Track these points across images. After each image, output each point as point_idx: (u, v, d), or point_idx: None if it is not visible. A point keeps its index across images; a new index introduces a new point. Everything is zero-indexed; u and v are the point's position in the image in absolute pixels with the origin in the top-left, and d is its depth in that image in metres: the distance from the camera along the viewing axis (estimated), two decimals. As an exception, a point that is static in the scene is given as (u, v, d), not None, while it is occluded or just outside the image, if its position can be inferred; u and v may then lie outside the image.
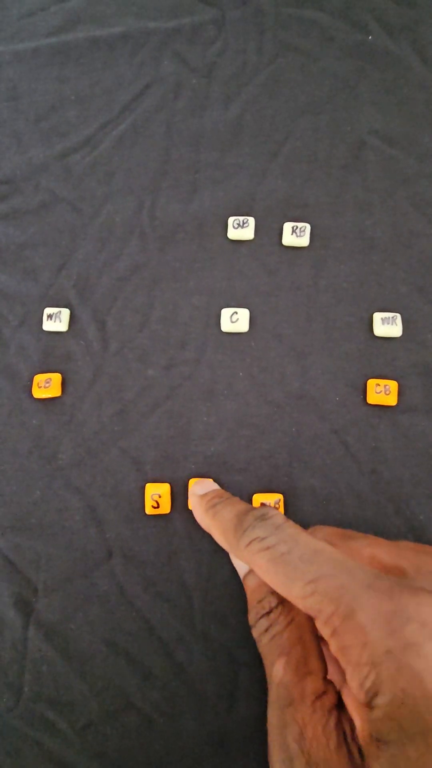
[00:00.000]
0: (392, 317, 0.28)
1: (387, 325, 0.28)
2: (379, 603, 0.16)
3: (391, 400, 0.27)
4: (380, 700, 0.15)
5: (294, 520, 0.27)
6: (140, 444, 0.28)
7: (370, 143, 0.32)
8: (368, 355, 0.29)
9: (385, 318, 0.28)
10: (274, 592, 0.19)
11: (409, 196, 0.31)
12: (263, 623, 0.19)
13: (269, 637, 0.19)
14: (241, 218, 0.30)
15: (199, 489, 0.24)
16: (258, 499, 0.27)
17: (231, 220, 0.30)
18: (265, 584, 0.20)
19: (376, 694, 0.15)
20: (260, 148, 0.32)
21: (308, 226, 0.30)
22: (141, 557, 0.27)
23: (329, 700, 0.17)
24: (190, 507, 0.25)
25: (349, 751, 0.16)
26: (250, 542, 0.19)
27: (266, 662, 0.19)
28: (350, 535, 0.21)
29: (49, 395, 0.28)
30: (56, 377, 0.29)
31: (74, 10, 0.35)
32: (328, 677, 0.18)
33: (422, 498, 0.27)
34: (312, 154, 0.32)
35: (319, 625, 0.17)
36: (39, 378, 0.29)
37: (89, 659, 0.26)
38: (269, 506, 0.21)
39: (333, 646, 0.16)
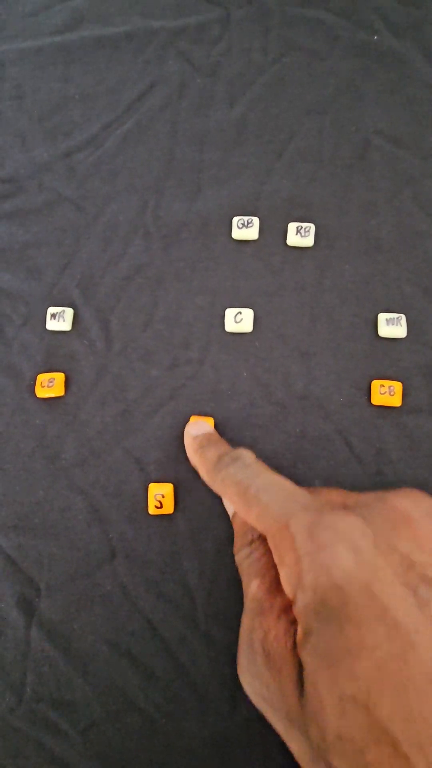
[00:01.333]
0: (397, 318, 0.28)
1: (392, 326, 0.28)
2: (308, 518, 0.19)
3: (396, 401, 0.27)
4: (301, 595, 0.18)
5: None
6: (143, 444, 0.28)
7: (375, 143, 0.32)
8: (373, 356, 0.29)
9: (390, 319, 0.28)
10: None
11: (414, 196, 0.31)
12: (245, 551, 0.23)
13: (249, 562, 0.22)
14: (245, 218, 0.30)
15: (194, 430, 0.26)
16: (261, 499, 0.27)
17: (235, 219, 0.30)
18: None
19: (298, 590, 0.18)
20: (265, 147, 0.32)
21: (313, 226, 0.30)
22: (144, 557, 0.27)
23: (293, 618, 0.20)
24: (186, 447, 0.27)
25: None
26: (224, 478, 0.22)
27: (244, 581, 0.22)
28: (320, 489, 0.24)
29: (53, 395, 0.28)
30: (59, 377, 0.29)
31: (79, 8, 0.34)
32: None
33: (426, 499, 0.27)
34: (317, 153, 0.32)
35: (269, 543, 0.20)
36: (42, 377, 0.29)
37: (91, 659, 0.26)
38: (244, 449, 0.24)
39: (275, 558, 0.19)
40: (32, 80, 0.34)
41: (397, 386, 0.27)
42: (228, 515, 0.27)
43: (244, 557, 0.23)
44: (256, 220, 0.30)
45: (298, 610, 0.18)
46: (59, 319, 0.29)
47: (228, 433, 0.28)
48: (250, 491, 0.21)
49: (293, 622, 0.19)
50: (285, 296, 0.30)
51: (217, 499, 0.27)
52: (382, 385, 0.28)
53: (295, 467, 0.27)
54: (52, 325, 0.29)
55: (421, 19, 0.34)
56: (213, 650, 0.26)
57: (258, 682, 0.19)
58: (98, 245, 0.31)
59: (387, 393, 0.27)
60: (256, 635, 0.20)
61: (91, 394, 0.29)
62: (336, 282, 0.30)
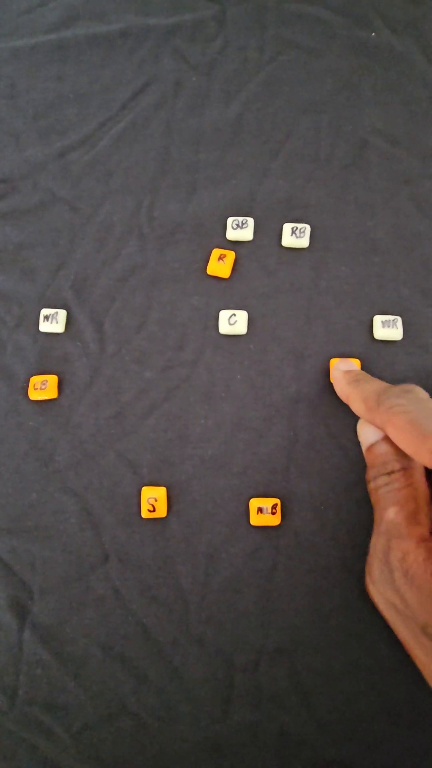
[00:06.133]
0: (393, 320, 0.28)
1: (387, 328, 0.28)
2: None
3: (391, 404, 0.27)
4: None
5: (290, 525, 0.27)
6: (137, 447, 0.28)
7: (372, 143, 0.31)
8: (368, 359, 0.28)
9: (386, 321, 0.28)
10: (398, 460, 0.23)
11: (411, 197, 0.31)
12: (383, 479, 0.23)
13: (386, 490, 0.23)
14: (240, 219, 0.30)
15: (343, 366, 0.27)
16: (255, 503, 0.27)
17: (230, 220, 0.30)
18: (391, 452, 0.23)
19: None
20: (261, 147, 0.32)
21: (308, 227, 0.30)
22: (137, 561, 0.27)
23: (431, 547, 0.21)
24: (331, 380, 0.27)
25: None
26: (392, 406, 0.22)
27: (378, 507, 0.23)
28: None
29: (46, 397, 0.28)
30: (53, 379, 0.28)
31: (73, 6, 0.34)
32: None
33: (421, 504, 0.27)
34: (313, 153, 0.31)
35: None
36: (35, 380, 0.28)
37: (84, 663, 0.26)
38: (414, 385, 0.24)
39: None
40: (26, 79, 0.33)
41: (393, 389, 0.27)
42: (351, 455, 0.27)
43: (382, 485, 0.23)
44: (251, 221, 0.30)
45: None
46: (52, 321, 0.29)
47: (221, 435, 0.28)
48: (427, 423, 0.20)
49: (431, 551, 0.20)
50: (280, 298, 0.29)
51: (211, 503, 0.27)
52: (378, 389, 0.27)
53: (288, 470, 0.27)
54: (45, 326, 0.29)
55: (420, 17, 0.33)
56: (206, 654, 0.26)
57: (391, 593, 0.21)
58: (92, 246, 0.31)
59: (382, 396, 0.27)
60: (394, 555, 0.21)
61: (85, 397, 0.29)
62: (331, 284, 0.29)
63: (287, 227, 0.29)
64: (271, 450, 0.28)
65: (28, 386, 0.29)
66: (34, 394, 0.28)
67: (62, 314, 0.29)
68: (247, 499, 0.27)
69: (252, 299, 0.29)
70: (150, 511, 0.27)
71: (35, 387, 0.28)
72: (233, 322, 0.28)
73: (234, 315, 0.28)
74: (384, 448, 0.24)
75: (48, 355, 0.29)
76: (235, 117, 0.32)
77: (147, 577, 0.27)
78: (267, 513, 0.26)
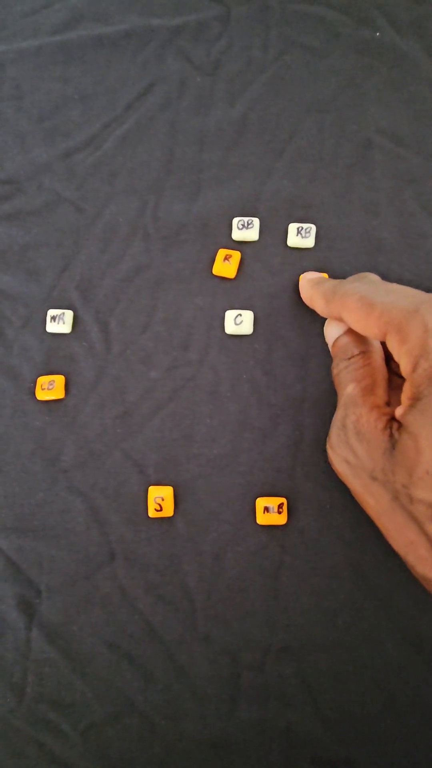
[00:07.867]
0: (398, 320, 0.28)
1: (392, 328, 0.28)
2: None
3: (396, 403, 0.27)
4: (423, 362, 0.20)
5: (296, 525, 0.27)
6: (143, 446, 0.28)
7: (376, 142, 0.31)
8: (373, 358, 0.28)
9: (391, 320, 0.28)
10: (357, 346, 0.24)
11: (416, 196, 0.31)
12: (343, 364, 0.24)
13: (346, 371, 0.24)
14: (245, 219, 0.30)
15: (310, 276, 0.28)
16: (261, 502, 0.27)
17: (236, 221, 0.30)
18: (352, 341, 0.25)
19: (420, 359, 0.20)
20: (265, 147, 0.32)
21: (313, 227, 0.30)
22: (143, 560, 0.27)
23: (385, 412, 0.22)
24: (300, 292, 0.28)
25: (391, 433, 0.21)
26: (345, 291, 0.23)
27: (340, 386, 0.24)
28: None
29: (53, 397, 0.28)
30: (59, 379, 0.29)
31: (77, 7, 0.34)
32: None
33: (427, 503, 0.27)
34: (317, 153, 0.31)
35: (390, 337, 0.21)
36: (42, 380, 0.29)
37: (91, 661, 0.26)
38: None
39: (396, 342, 0.21)
40: (31, 80, 0.33)
41: (398, 389, 0.27)
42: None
43: (343, 368, 0.24)
44: (256, 221, 0.30)
45: (414, 377, 0.20)
46: (59, 322, 0.29)
47: (226, 434, 0.28)
48: (374, 296, 0.22)
49: (384, 415, 0.22)
50: (285, 298, 0.29)
51: (216, 502, 0.27)
52: (383, 388, 0.27)
53: (293, 470, 0.27)
54: (52, 327, 0.29)
55: (424, 16, 0.33)
56: (212, 652, 0.26)
57: (346, 451, 0.22)
58: (97, 247, 0.31)
59: (387, 396, 0.27)
60: (349, 419, 0.23)
61: (91, 397, 0.29)
62: (336, 283, 0.29)
63: (293, 227, 0.30)
64: (277, 449, 0.28)
65: (34, 386, 0.29)
66: (42, 395, 0.28)
67: (69, 315, 0.29)
68: (253, 499, 0.27)
69: (257, 299, 0.29)
70: (157, 510, 0.27)
71: (42, 387, 0.28)
72: (239, 322, 0.28)
73: (240, 315, 0.28)
74: (346, 339, 0.25)
75: (54, 355, 0.29)
76: (239, 117, 0.32)
77: (153, 576, 0.27)
78: (273, 512, 0.26)
